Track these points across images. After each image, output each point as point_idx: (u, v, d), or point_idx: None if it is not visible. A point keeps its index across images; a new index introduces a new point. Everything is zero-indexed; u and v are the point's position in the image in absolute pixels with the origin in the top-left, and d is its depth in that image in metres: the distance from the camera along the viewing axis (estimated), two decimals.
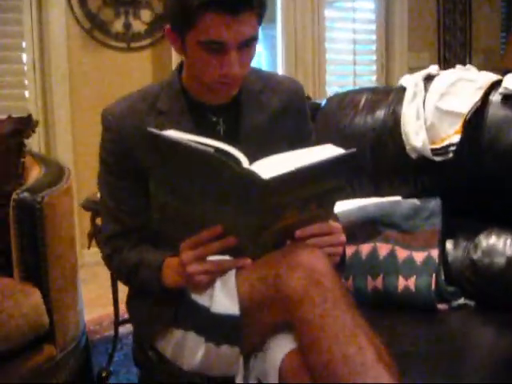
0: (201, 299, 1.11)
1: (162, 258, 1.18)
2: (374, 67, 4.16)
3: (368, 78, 4.18)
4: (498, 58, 4.76)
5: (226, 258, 1.11)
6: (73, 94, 3.30)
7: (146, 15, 3.45)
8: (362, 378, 0.92)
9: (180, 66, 1.28)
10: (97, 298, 2.73)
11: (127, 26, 3.41)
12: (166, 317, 1.19)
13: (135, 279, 1.23)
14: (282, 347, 1.05)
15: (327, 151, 1.03)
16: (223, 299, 1.07)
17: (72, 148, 3.32)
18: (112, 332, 2.43)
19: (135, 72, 3.44)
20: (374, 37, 4.13)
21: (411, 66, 4.17)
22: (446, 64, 4.39)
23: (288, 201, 1.01)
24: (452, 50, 4.42)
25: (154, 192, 1.08)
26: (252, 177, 0.95)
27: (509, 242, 1.49)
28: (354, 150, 1.03)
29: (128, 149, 1.22)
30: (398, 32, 4.13)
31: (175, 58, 3.27)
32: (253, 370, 1.13)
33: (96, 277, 2.90)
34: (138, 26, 3.44)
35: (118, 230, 1.26)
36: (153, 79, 3.48)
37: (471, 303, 1.47)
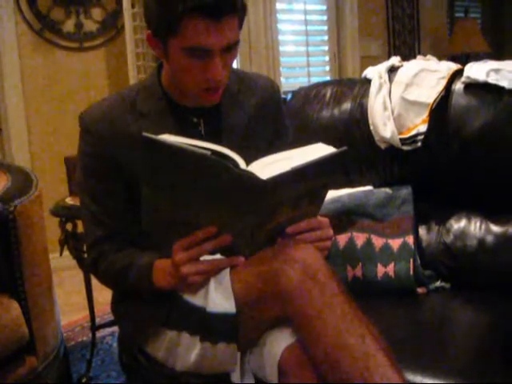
0: (195, 299, 1.12)
1: (152, 260, 1.18)
2: (327, 57, 4.22)
3: (322, 68, 4.24)
4: (445, 43, 4.91)
5: (218, 257, 1.12)
6: (26, 96, 3.23)
7: (97, 14, 3.40)
8: (364, 366, 0.96)
9: (158, 68, 1.28)
10: (64, 304, 2.69)
11: (79, 25, 3.36)
12: (158, 319, 1.19)
13: (124, 283, 1.23)
14: (279, 342, 1.08)
15: (320, 150, 1.06)
16: (218, 298, 1.08)
17: (28, 151, 3.25)
18: (85, 338, 2.42)
19: (89, 71, 3.40)
20: (325, 27, 4.19)
21: (362, 54, 4.26)
22: (395, 51, 4.50)
23: (283, 199, 1.03)
24: (401, 38, 4.53)
25: (145, 195, 1.07)
26: (251, 178, 0.97)
27: (478, 224, 1.56)
28: (345, 148, 1.07)
29: (109, 151, 1.21)
30: (348, 22, 4.19)
31: (130, 56, 3.24)
32: (248, 366, 1.15)
33: (60, 283, 2.86)
34: (90, 25, 3.39)
35: (102, 234, 1.25)
36: (107, 78, 3.45)
37: (447, 285, 1.53)
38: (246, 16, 1.15)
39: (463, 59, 4.63)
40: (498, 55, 5.69)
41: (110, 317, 2.19)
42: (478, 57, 4.99)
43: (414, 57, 4.66)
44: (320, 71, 4.23)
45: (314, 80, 4.05)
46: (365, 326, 1.00)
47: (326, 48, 4.21)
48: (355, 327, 0.99)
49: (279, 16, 3.88)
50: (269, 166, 1.01)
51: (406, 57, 4.42)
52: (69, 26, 3.33)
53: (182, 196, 1.03)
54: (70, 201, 2.09)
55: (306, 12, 4.04)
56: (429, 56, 1.83)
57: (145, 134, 0.96)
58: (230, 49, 1.13)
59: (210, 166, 0.97)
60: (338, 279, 1.05)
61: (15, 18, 3.15)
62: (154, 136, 0.97)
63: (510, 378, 1.12)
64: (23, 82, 3.21)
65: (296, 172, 0.99)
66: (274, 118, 1.36)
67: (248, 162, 1.07)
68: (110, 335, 2.37)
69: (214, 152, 0.98)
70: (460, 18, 5.18)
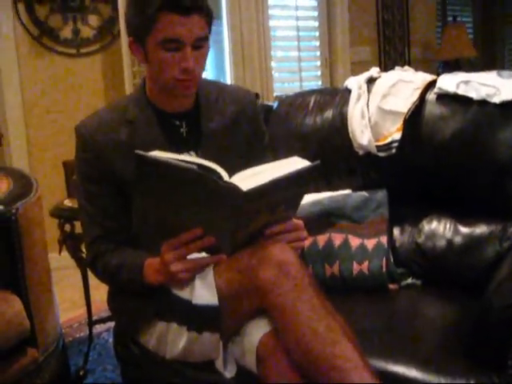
0: (182, 293, 1.24)
1: (143, 259, 1.29)
2: (319, 62, 4.33)
3: (313, 73, 4.35)
4: (434, 50, 5.02)
5: (203, 255, 1.24)
6: (25, 101, 3.33)
7: (93, 20, 3.50)
8: (331, 351, 1.08)
9: (143, 82, 1.42)
10: (62, 301, 2.79)
11: (76, 31, 3.46)
12: (149, 312, 1.31)
13: (119, 280, 1.34)
14: (257, 331, 1.20)
15: (296, 164, 1.19)
16: (203, 292, 1.20)
17: (27, 155, 3.36)
18: (82, 334, 2.52)
19: (86, 77, 3.50)
20: (317, 33, 4.30)
21: (353, 60, 4.37)
22: (386, 57, 4.61)
23: (261, 207, 1.15)
24: (391, 44, 4.63)
25: (136, 202, 1.19)
26: (232, 189, 1.09)
27: (448, 226, 1.67)
28: (318, 162, 1.20)
29: (103, 158, 1.34)
30: (339, 28, 4.30)
31: (126, 61, 3.34)
32: (231, 354, 1.27)
33: (59, 281, 2.96)
34: (87, 32, 3.49)
35: (99, 234, 1.37)
36: (104, 83, 3.55)
37: (418, 282, 1.64)
38: (212, 21, 1.31)
39: (453, 65, 4.73)
40: (489, 59, 5.79)
41: (106, 314, 2.30)
42: (468, 62, 5.10)
43: (405, 62, 4.74)
44: (312, 76, 4.34)
45: (306, 85, 4.16)
46: (331, 316, 1.12)
47: (318, 53, 4.32)
48: (323, 317, 1.11)
49: (271, 22, 3.99)
50: (249, 179, 1.13)
51: (396, 62, 4.53)
52: (66, 32, 3.43)
53: (170, 204, 1.15)
54: (68, 203, 2.19)
55: (297, 18, 4.15)
56: (406, 67, 1.94)
57: (137, 151, 1.08)
58: (200, 45, 1.28)
59: (197, 178, 1.09)
60: (309, 275, 1.17)
61: (14, 25, 3.26)
62: (145, 153, 1.09)
63: (471, 366, 1.22)
64: (22, 87, 3.31)
65: (273, 184, 1.11)
66: (250, 125, 1.49)
67: (226, 163, 1.19)
68: (106, 331, 2.48)
69: (200, 166, 1.10)
70: (449, 24, 5.27)
